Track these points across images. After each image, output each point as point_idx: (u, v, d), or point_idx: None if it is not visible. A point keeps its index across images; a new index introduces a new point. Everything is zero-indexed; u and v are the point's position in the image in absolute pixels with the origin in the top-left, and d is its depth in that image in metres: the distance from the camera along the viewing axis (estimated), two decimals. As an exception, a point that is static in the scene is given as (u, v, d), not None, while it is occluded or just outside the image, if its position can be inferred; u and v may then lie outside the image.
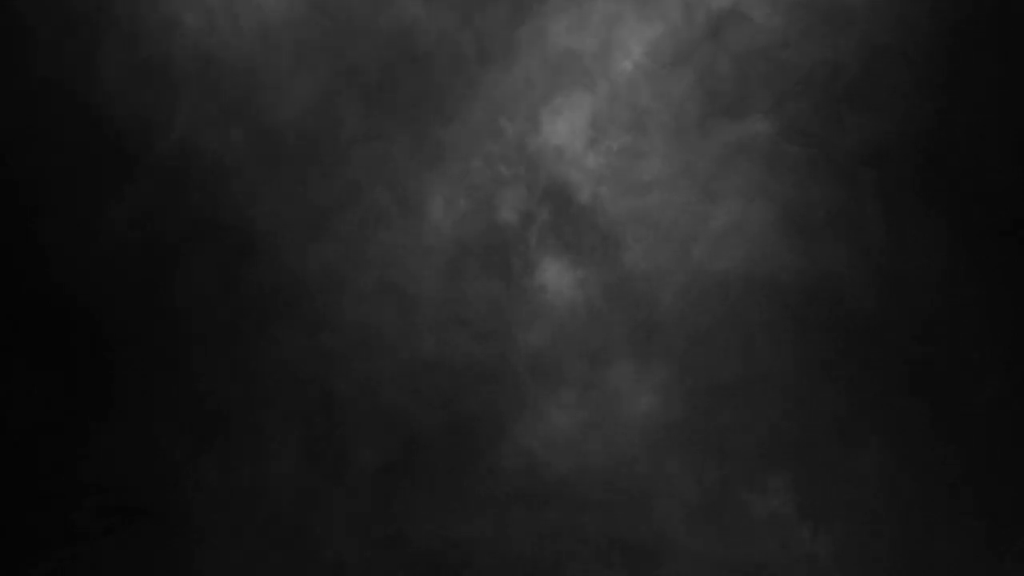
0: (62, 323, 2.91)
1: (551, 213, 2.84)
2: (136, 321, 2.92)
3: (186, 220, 2.90)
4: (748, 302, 2.80)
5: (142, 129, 2.93)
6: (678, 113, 2.82)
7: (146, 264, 2.93)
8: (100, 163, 2.94)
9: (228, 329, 2.90)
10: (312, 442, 2.87)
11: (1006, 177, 2.79)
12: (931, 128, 2.80)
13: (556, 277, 2.81)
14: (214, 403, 2.89)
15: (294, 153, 2.87)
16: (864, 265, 2.79)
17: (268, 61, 2.85)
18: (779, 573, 2.71)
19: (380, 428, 2.86)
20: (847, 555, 2.75)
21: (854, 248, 2.78)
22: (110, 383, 2.90)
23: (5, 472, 2.85)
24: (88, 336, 2.90)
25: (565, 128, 2.83)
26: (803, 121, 2.82)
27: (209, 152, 2.88)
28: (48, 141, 2.89)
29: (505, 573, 2.78)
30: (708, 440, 2.79)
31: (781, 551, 2.74)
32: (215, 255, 2.89)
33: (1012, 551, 2.71)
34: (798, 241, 2.82)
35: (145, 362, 2.91)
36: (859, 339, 2.76)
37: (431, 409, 2.85)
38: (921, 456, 2.79)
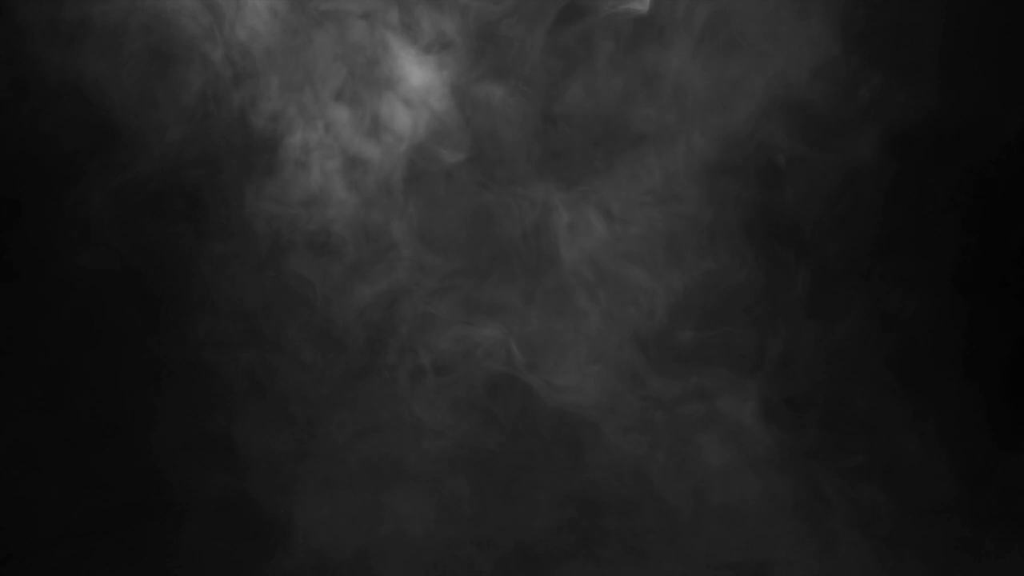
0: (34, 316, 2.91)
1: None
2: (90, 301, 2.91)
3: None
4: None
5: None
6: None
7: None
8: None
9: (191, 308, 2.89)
10: (300, 434, 2.87)
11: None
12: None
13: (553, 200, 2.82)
14: (196, 392, 2.88)
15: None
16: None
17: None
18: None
19: (369, 421, 2.86)
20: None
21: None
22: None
23: (4, 470, 2.86)
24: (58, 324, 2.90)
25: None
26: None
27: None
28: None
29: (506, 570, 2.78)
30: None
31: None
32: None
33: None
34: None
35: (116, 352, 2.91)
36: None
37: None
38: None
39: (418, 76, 2.82)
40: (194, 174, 2.85)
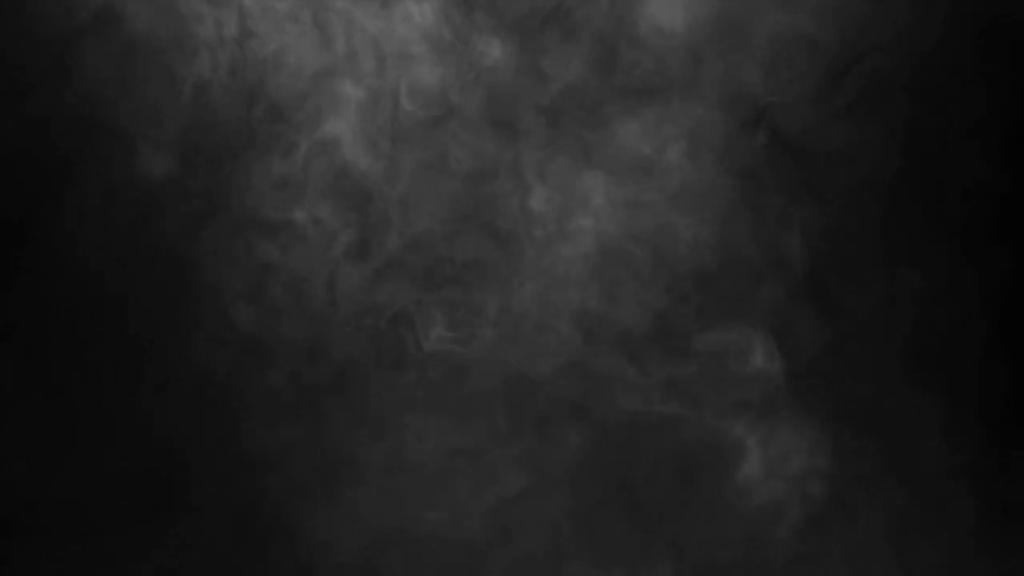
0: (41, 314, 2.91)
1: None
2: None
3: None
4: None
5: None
6: None
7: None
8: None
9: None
10: (302, 431, 2.86)
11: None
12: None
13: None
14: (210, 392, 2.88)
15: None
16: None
17: None
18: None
19: (375, 421, 2.85)
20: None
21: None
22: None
23: (8, 470, 2.86)
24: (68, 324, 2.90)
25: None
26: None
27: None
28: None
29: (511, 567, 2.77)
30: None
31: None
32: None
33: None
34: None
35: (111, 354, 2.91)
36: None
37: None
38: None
39: (415, 43, 2.81)
40: (193, 170, 2.86)
